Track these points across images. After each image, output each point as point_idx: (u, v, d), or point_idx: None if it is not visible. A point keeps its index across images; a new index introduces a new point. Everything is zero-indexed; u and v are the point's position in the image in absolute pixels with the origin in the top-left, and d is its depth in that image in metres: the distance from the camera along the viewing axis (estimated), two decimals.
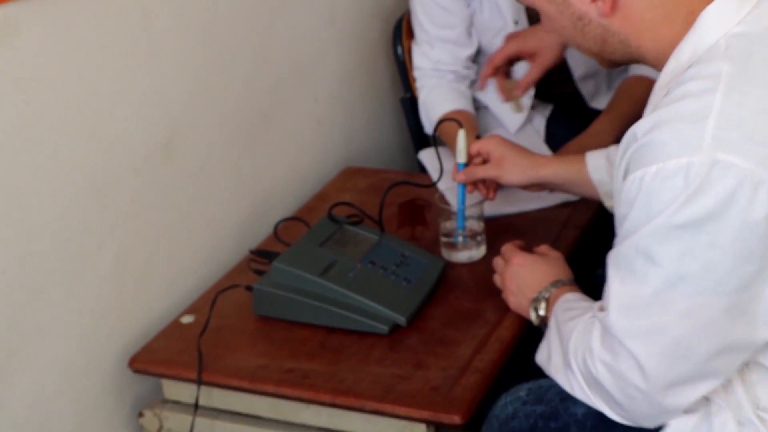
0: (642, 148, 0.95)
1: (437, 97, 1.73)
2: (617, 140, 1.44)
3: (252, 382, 1.20)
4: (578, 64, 1.74)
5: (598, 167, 1.33)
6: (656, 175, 0.93)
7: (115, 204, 1.28)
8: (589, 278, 1.49)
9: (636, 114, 1.04)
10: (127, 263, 1.32)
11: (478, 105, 1.79)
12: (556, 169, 1.35)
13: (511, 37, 1.66)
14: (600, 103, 1.77)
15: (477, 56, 1.78)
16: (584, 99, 1.78)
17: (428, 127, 1.76)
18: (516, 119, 1.75)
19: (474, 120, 1.70)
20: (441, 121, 1.58)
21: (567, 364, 1.08)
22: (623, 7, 1.01)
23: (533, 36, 1.63)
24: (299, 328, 1.28)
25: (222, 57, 1.48)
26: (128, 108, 1.29)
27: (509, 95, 1.70)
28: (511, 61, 1.68)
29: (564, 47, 1.63)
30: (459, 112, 1.69)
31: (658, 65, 1.04)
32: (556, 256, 1.28)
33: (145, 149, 1.33)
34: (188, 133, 1.41)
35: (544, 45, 1.62)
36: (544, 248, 1.31)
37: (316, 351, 1.24)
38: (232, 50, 1.49)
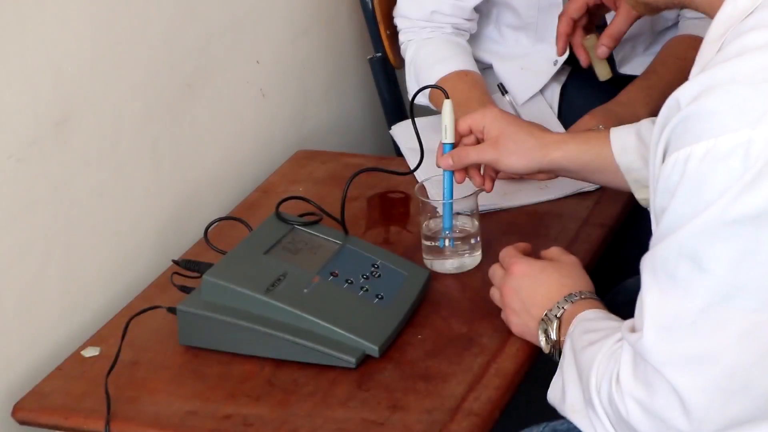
0: (687, 119, 0.95)
1: (432, 54, 1.73)
2: (653, 114, 1.43)
3: None
4: None
5: (626, 147, 1.34)
6: (706, 155, 0.93)
7: None
8: (615, 291, 1.49)
9: (681, 82, 1.03)
10: (7, 280, 1.31)
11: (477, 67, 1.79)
12: (570, 150, 1.36)
13: None
14: (633, 68, 1.78)
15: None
16: (614, 62, 1.78)
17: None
18: (532, 85, 1.76)
19: (484, 84, 1.70)
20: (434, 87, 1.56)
21: (588, 403, 1.08)
22: None
23: None
24: (239, 362, 1.28)
25: (135, 6, 1.47)
26: (4, 73, 1.27)
27: (588, 55, 1.65)
28: (589, 11, 1.64)
29: None
30: (465, 73, 1.69)
31: (711, 11, 1.04)
32: (570, 261, 1.28)
33: (29, 129, 1.32)
34: (88, 107, 1.40)
35: None
36: (554, 252, 1.31)
37: (262, 391, 1.24)
38: None
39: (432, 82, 1.67)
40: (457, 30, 1.76)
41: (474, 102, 1.61)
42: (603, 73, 1.67)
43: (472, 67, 1.72)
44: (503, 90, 1.76)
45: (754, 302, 0.95)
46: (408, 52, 1.77)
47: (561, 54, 1.66)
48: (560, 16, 1.63)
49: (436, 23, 1.75)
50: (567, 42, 1.63)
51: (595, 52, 1.63)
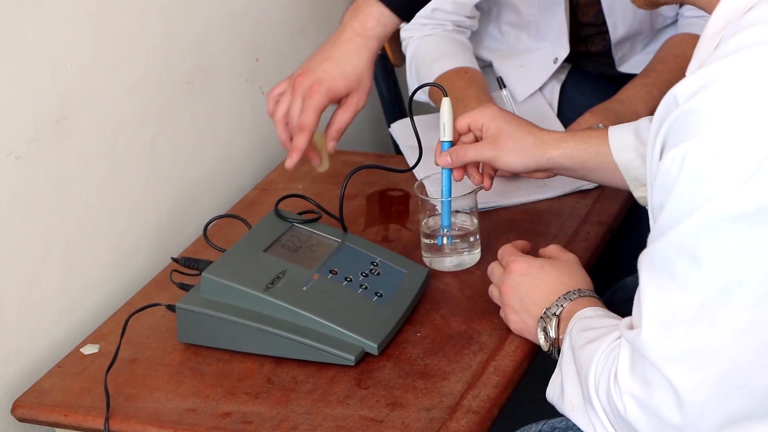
0: (685, 115, 0.95)
1: (432, 51, 1.73)
2: (653, 112, 1.43)
3: (177, 431, 1.20)
4: (620, 22, 1.74)
5: (625, 145, 1.34)
6: (703, 151, 0.93)
7: None
8: (614, 289, 1.49)
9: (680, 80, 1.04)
10: (6, 277, 1.31)
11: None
12: (569, 148, 1.36)
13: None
14: (633, 66, 1.78)
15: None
16: (613, 61, 1.79)
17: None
18: (531, 82, 1.76)
19: (483, 81, 1.70)
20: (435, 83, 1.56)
21: (587, 401, 1.08)
22: None
23: (336, 71, 1.42)
24: (238, 359, 1.28)
25: (134, 4, 1.46)
26: (3, 71, 1.27)
27: (319, 152, 1.45)
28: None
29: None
30: (464, 70, 1.69)
31: (709, 7, 1.04)
32: (569, 259, 1.28)
33: (29, 127, 1.32)
34: (88, 105, 1.40)
35: (351, 80, 1.41)
36: (553, 249, 1.31)
37: (261, 388, 1.24)
38: None
39: (431, 79, 1.68)
40: (458, 27, 1.76)
41: (471, 99, 1.61)
42: (323, 164, 1.47)
43: (472, 64, 1.72)
44: (501, 84, 1.76)
45: (752, 298, 0.95)
46: (409, 49, 1.77)
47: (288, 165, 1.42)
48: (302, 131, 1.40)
49: (437, 20, 1.75)
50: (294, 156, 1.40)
51: (325, 147, 1.45)
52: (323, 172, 1.48)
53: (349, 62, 1.40)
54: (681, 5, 1.11)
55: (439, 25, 1.75)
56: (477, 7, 1.77)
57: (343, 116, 1.43)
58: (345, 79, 1.40)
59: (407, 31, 1.78)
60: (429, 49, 1.74)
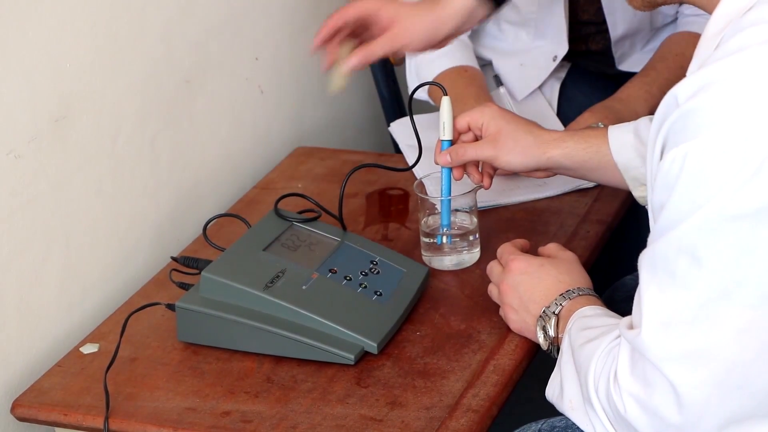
0: (685, 116, 0.95)
1: None
2: (652, 110, 1.42)
3: (176, 430, 1.20)
4: (619, 21, 1.74)
5: (624, 145, 1.34)
6: (704, 150, 0.93)
7: None
8: (613, 288, 1.49)
9: (680, 79, 1.04)
10: (6, 277, 1.31)
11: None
12: (568, 147, 1.36)
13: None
14: (632, 65, 1.78)
15: None
16: (613, 59, 1.78)
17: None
18: (531, 81, 1.75)
19: (483, 80, 1.70)
20: (433, 82, 1.55)
21: (586, 400, 1.08)
22: None
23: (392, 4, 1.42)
24: (237, 359, 1.28)
25: (133, 3, 1.46)
26: (3, 70, 1.27)
27: (333, 63, 1.42)
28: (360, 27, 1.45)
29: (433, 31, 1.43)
30: (464, 69, 1.69)
31: (709, 7, 1.04)
32: (568, 258, 1.28)
33: (28, 126, 1.32)
34: (87, 104, 1.40)
35: (403, 17, 1.40)
36: (552, 248, 1.31)
37: (260, 388, 1.24)
38: None
39: (431, 77, 1.67)
40: None
41: (470, 98, 1.61)
42: (336, 84, 1.41)
43: (471, 62, 1.72)
44: (498, 81, 1.76)
45: (752, 298, 0.95)
46: None
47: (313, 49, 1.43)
48: (329, 19, 1.43)
49: None
50: (322, 44, 1.43)
51: (343, 61, 1.40)
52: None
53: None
54: (681, 3, 1.10)
55: None
56: None
57: (382, 44, 1.37)
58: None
59: None
60: None
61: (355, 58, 1.38)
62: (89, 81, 1.40)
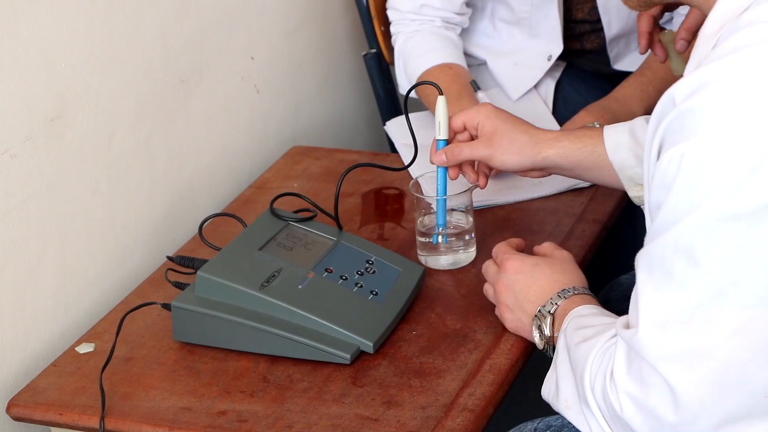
0: (682, 116, 0.95)
1: (419, 46, 1.73)
2: (648, 110, 1.42)
3: (172, 430, 1.20)
4: (614, 20, 1.74)
5: (620, 145, 1.34)
6: (701, 150, 0.93)
7: None
8: (609, 287, 1.49)
9: (676, 79, 1.03)
10: (1, 276, 1.31)
11: (471, 63, 1.79)
12: (564, 147, 1.36)
13: None
14: (628, 64, 1.78)
15: None
16: (608, 59, 1.78)
17: (406, 86, 1.76)
18: (526, 80, 1.75)
19: (466, 77, 1.70)
20: (422, 80, 1.56)
21: (582, 399, 1.08)
22: None
23: None
24: (233, 358, 1.28)
25: (129, 2, 1.46)
26: None
27: (666, 50, 1.50)
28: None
29: None
30: (448, 66, 1.69)
31: (705, 7, 1.04)
32: (563, 257, 1.28)
33: (23, 125, 1.31)
34: (83, 103, 1.40)
35: None
36: (547, 247, 1.31)
37: (256, 387, 1.24)
38: None
39: (416, 74, 1.68)
40: (447, 23, 1.76)
41: (452, 96, 1.61)
42: (680, 67, 1.51)
43: (457, 60, 1.71)
44: (476, 86, 1.74)
45: (749, 298, 0.95)
46: (397, 43, 1.78)
47: (643, 52, 1.52)
48: (639, 15, 1.49)
49: (425, 16, 1.75)
50: (650, 40, 1.50)
51: (673, 46, 1.50)
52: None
53: None
54: (677, 3, 1.10)
55: (427, 21, 1.75)
56: (468, 4, 1.77)
57: (695, 15, 1.40)
58: None
59: (396, 26, 1.79)
60: (416, 44, 1.74)
61: None
62: (84, 80, 1.40)
